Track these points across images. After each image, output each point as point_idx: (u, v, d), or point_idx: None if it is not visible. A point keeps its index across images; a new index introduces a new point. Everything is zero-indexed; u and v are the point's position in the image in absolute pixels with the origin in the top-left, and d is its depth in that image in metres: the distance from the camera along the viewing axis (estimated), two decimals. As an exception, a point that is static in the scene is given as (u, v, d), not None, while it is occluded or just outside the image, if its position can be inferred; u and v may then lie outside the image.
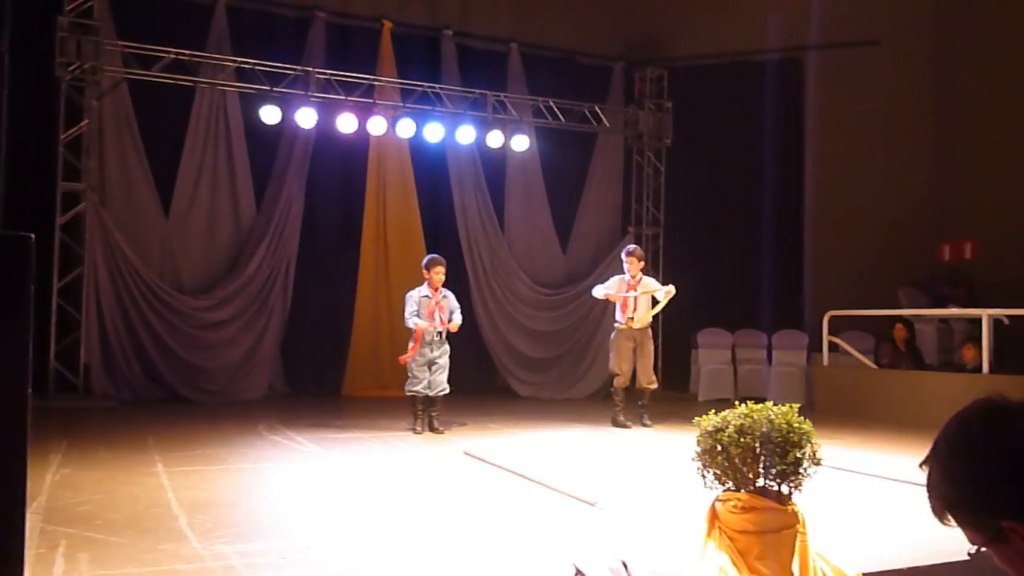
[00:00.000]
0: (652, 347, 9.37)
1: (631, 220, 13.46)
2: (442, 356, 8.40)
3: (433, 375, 8.34)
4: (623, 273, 9.21)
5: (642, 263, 9.25)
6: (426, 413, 8.41)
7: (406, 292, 8.57)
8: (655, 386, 9.32)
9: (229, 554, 3.98)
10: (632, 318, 9.07)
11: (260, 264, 11.12)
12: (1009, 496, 1.34)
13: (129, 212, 10.66)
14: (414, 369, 8.31)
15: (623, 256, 9.26)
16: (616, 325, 9.22)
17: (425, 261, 8.65)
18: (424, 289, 8.43)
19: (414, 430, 8.30)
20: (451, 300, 8.53)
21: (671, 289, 8.99)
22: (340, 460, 6.81)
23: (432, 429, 8.36)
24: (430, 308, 8.33)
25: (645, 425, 9.07)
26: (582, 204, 13.32)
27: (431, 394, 8.35)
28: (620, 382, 9.15)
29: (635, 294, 9.07)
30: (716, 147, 13.08)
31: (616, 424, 9.07)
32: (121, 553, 3.96)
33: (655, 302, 9.20)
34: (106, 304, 10.31)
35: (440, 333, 8.39)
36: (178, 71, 10.45)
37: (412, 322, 8.30)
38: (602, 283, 9.42)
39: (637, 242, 13.14)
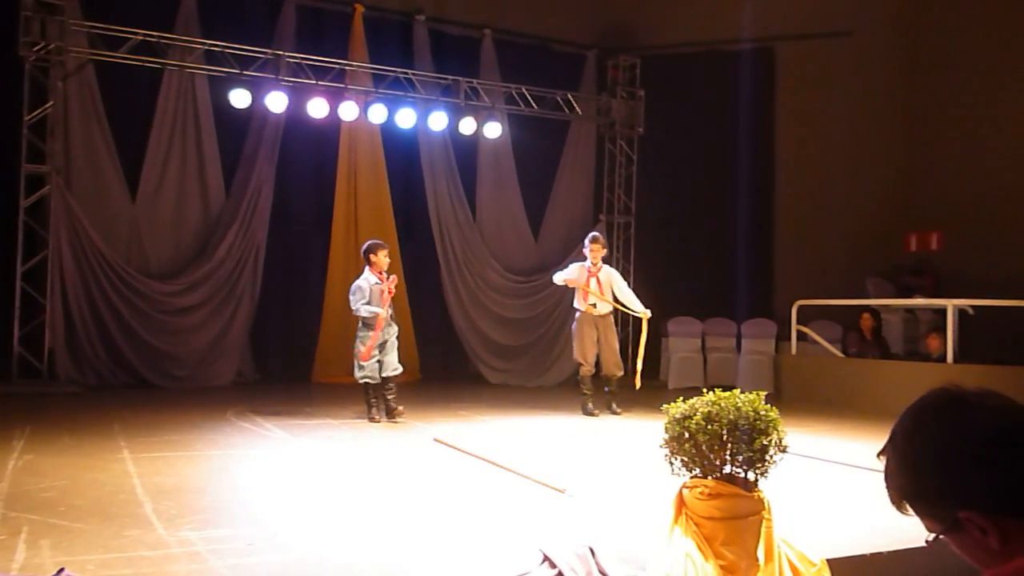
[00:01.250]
0: (615, 333, 9.39)
1: (603, 208, 13.49)
2: (391, 336, 8.31)
3: (384, 355, 8.22)
4: (584, 260, 9.21)
5: (604, 251, 9.24)
6: (381, 398, 8.28)
7: (352, 283, 8.38)
8: (622, 372, 9.29)
9: (195, 540, 3.95)
10: (594, 305, 9.08)
11: (229, 249, 11.01)
12: (965, 486, 1.35)
13: (95, 195, 10.50)
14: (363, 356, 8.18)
15: (586, 243, 9.24)
16: (577, 314, 9.23)
17: (368, 246, 8.44)
18: (371, 276, 8.27)
19: (371, 419, 8.15)
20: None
21: (647, 313, 9.08)
22: (309, 447, 6.78)
23: (390, 412, 8.18)
24: (382, 292, 8.21)
25: (614, 413, 9.09)
26: (554, 192, 13.32)
27: (385, 375, 8.22)
28: (586, 371, 9.18)
29: (590, 290, 9.08)
30: (688, 136, 13.12)
31: (585, 412, 9.08)
32: (84, 539, 3.91)
33: (618, 302, 9.23)
34: (71, 288, 10.17)
35: (392, 315, 8.34)
36: (146, 53, 10.30)
37: (367, 311, 8.12)
38: (561, 270, 9.42)
39: (608, 230, 13.22)
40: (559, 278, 9.30)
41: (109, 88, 10.50)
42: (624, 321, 11.92)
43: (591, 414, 9.04)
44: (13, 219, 9.79)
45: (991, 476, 1.33)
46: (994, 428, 1.36)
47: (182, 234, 11.09)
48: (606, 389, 9.23)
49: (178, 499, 4.75)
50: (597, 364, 9.25)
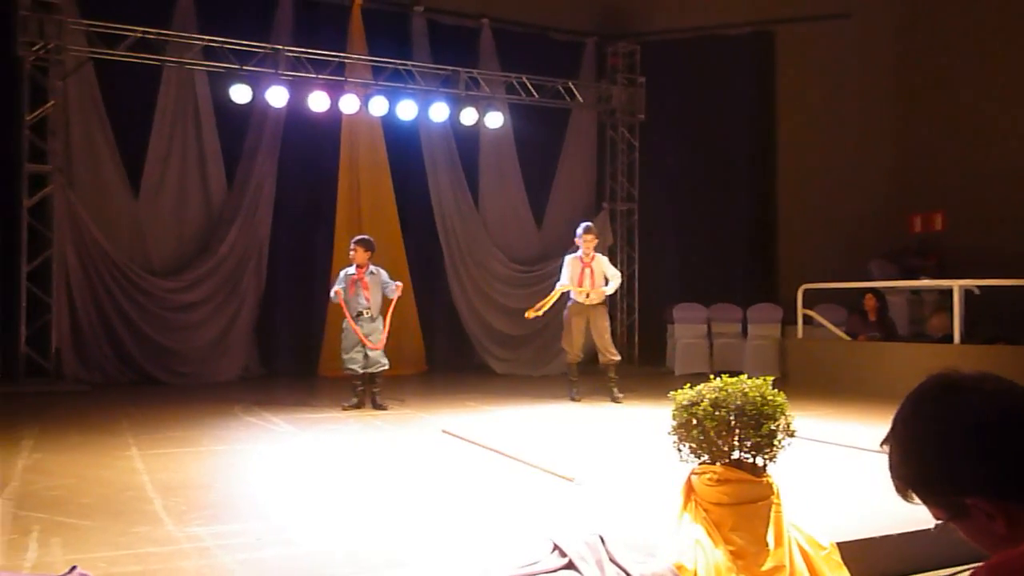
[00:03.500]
0: (607, 323, 9.35)
1: (605, 196, 13.45)
2: (373, 333, 8.40)
3: (369, 352, 8.37)
4: (576, 250, 9.17)
5: (596, 240, 9.23)
6: (368, 390, 8.47)
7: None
8: (618, 358, 9.31)
9: (204, 536, 3.96)
10: (589, 295, 9.07)
11: (232, 245, 11.03)
12: (969, 472, 1.34)
13: (97, 194, 10.51)
14: (345, 346, 8.42)
15: (578, 233, 9.18)
16: (569, 303, 9.23)
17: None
18: (351, 268, 8.52)
19: (342, 407, 8.36)
20: (382, 275, 8.56)
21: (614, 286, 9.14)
22: (316, 440, 6.79)
23: (376, 406, 8.41)
24: (351, 284, 8.45)
25: (616, 400, 9.08)
26: (556, 180, 13.29)
27: (370, 371, 8.38)
28: (571, 358, 9.26)
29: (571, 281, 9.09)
30: (689, 121, 13.10)
31: (570, 398, 9.17)
32: (94, 537, 3.92)
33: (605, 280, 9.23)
34: (76, 287, 10.19)
35: (361, 312, 8.41)
36: (144, 50, 10.28)
37: (332, 293, 8.50)
38: (559, 275, 9.36)
39: (611, 218, 13.21)
40: (563, 286, 9.22)
41: (109, 86, 10.49)
42: (616, 308, 11.95)
43: (573, 399, 9.16)
44: (16, 219, 9.80)
45: (994, 462, 1.32)
46: (994, 412, 1.34)
47: (185, 231, 11.11)
48: (609, 376, 9.22)
49: (186, 495, 4.76)
50: (593, 353, 9.25)
